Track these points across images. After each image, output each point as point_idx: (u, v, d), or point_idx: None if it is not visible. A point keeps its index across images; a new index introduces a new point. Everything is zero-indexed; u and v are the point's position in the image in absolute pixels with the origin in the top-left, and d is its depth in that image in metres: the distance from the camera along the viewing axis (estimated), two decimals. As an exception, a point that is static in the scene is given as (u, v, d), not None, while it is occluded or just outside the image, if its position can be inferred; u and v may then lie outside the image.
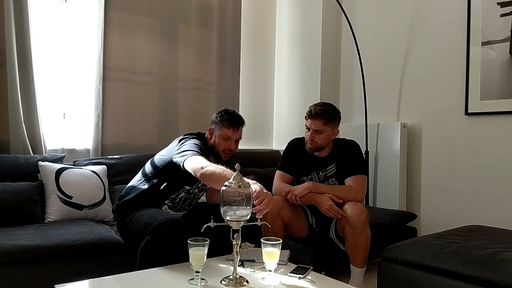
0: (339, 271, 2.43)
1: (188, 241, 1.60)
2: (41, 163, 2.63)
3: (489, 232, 2.30)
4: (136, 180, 2.31)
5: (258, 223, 1.68)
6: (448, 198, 3.13)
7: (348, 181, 2.37)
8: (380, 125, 3.44)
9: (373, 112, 3.56)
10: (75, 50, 3.11)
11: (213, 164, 1.86)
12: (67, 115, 3.10)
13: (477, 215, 2.93)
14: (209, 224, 1.64)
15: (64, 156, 2.87)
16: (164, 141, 3.19)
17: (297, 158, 2.46)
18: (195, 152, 2.01)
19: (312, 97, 3.69)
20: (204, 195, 2.49)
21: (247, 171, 2.25)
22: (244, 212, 1.57)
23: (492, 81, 2.89)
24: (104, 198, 2.68)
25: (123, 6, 3.19)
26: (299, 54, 4.01)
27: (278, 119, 4.23)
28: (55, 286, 1.54)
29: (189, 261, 1.60)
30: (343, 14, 3.50)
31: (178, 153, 2.07)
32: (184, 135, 2.24)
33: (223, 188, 1.58)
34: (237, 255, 1.61)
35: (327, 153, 2.43)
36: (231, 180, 1.59)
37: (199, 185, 2.30)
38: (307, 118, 2.38)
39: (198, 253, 1.58)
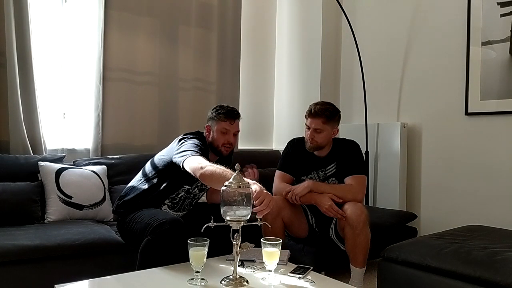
0: (339, 271, 2.43)
1: (188, 241, 1.60)
2: (41, 163, 2.63)
3: (489, 232, 2.30)
4: (136, 180, 2.31)
5: (258, 223, 1.68)
6: (448, 198, 3.14)
7: (348, 180, 2.37)
8: (380, 125, 3.44)
9: (373, 112, 3.56)
10: (75, 50, 3.11)
11: (213, 164, 1.86)
12: (67, 115, 3.10)
13: (477, 215, 2.93)
14: (209, 224, 1.64)
15: (64, 156, 2.87)
16: (164, 141, 3.19)
17: (296, 158, 2.46)
18: (195, 152, 2.01)
19: (312, 97, 3.69)
20: (205, 195, 2.49)
21: (247, 167, 2.25)
22: (244, 212, 1.57)
23: (492, 81, 2.89)
24: (104, 198, 2.68)
25: (123, 6, 3.19)
26: (299, 54, 4.01)
27: (278, 119, 4.23)
28: (55, 286, 1.54)
29: (189, 261, 1.60)
30: (343, 14, 3.50)
31: (177, 153, 2.07)
32: (184, 135, 2.25)
33: (223, 188, 1.58)
34: (237, 255, 1.61)
35: (326, 152, 2.43)
36: (231, 180, 1.59)
37: (199, 184, 2.30)
38: (307, 117, 2.39)
39: (198, 253, 1.58)
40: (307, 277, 1.72)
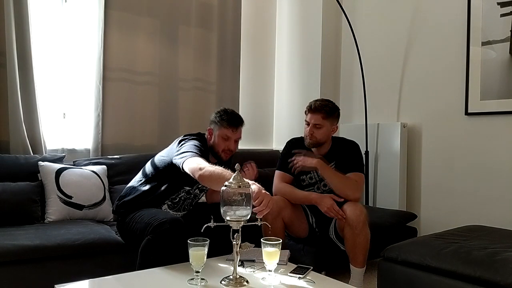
0: (339, 271, 2.43)
1: (188, 241, 1.60)
2: (41, 163, 2.63)
3: (489, 232, 2.30)
4: (136, 181, 2.31)
5: (258, 223, 1.68)
6: (448, 198, 3.14)
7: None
8: (380, 125, 3.44)
9: (373, 112, 3.56)
10: (75, 50, 3.11)
11: (212, 165, 1.86)
12: (67, 115, 3.10)
13: (477, 215, 2.93)
14: (209, 224, 1.64)
15: (64, 156, 2.87)
16: (164, 141, 3.19)
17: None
18: (194, 154, 2.01)
19: (312, 97, 3.63)
20: (204, 195, 2.49)
21: (245, 163, 2.25)
22: (244, 212, 1.57)
23: (492, 81, 2.89)
24: (104, 198, 2.68)
25: (123, 6, 3.19)
26: (299, 54, 4.01)
27: (278, 119, 4.23)
28: (55, 286, 1.54)
29: (189, 261, 1.60)
30: (343, 14, 3.50)
31: (177, 154, 2.07)
32: (184, 136, 2.24)
33: (223, 188, 1.58)
34: (237, 255, 1.61)
35: (326, 151, 2.43)
36: (231, 180, 1.59)
37: (199, 185, 2.30)
38: (307, 112, 2.40)
39: (198, 253, 1.58)
40: (307, 277, 1.72)
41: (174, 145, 2.21)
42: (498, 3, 2.86)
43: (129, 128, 3.26)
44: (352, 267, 2.25)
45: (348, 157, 2.41)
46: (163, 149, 2.34)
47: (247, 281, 1.61)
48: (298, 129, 3.74)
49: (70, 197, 2.56)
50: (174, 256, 1.88)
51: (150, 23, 3.33)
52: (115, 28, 3.16)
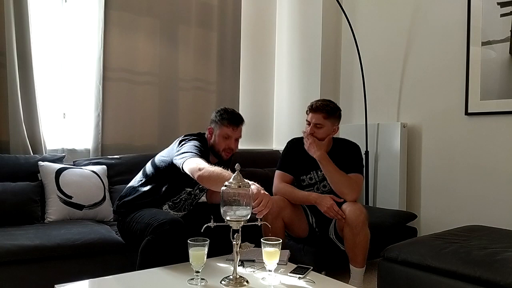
0: (339, 271, 2.43)
1: (188, 241, 1.60)
2: (41, 163, 2.63)
3: (489, 232, 2.30)
4: (137, 181, 2.31)
5: (258, 223, 1.68)
6: (448, 198, 3.14)
7: None
8: (380, 125, 3.44)
9: (373, 112, 3.56)
10: (75, 50, 3.11)
11: (211, 166, 1.86)
12: (67, 115, 3.10)
13: (477, 215, 2.93)
14: (209, 224, 1.64)
15: (64, 156, 2.87)
16: (164, 141, 3.20)
17: (296, 157, 2.46)
18: (194, 154, 2.01)
19: (312, 97, 3.64)
20: (205, 195, 2.48)
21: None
22: (244, 212, 1.57)
23: (492, 81, 2.89)
24: (104, 198, 2.68)
25: (123, 6, 3.19)
26: (299, 54, 4.01)
27: (278, 119, 4.23)
28: (55, 286, 1.54)
29: (189, 261, 1.60)
30: (343, 14, 3.50)
31: (177, 155, 2.07)
32: (184, 136, 2.24)
33: (223, 188, 1.58)
34: (237, 255, 1.61)
35: (327, 151, 2.43)
36: (231, 180, 1.59)
37: (200, 185, 2.29)
38: (308, 112, 2.40)
39: (198, 253, 1.58)
40: (307, 277, 1.72)
41: (174, 145, 2.21)
42: (498, 3, 2.86)
43: (129, 128, 3.26)
44: (352, 267, 2.25)
45: (348, 158, 2.41)
46: (163, 149, 2.34)
47: (247, 281, 1.61)
48: (298, 129, 3.73)
49: (70, 197, 2.56)
50: (174, 256, 1.88)
51: (150, 23, 3.33)
52: (115, 28, 3.16)
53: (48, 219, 2.49)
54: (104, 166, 2.86)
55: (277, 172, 2.48)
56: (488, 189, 2.92)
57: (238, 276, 1.61)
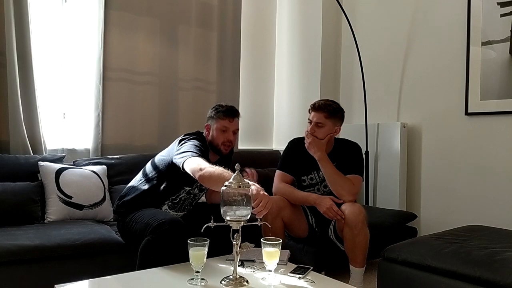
0: (339, 271, 2.43)
1: (188, 241, 1.60)
2: (41, 163, 2.63)
3: (489, 232, 2.30)
4: (137, 181, 2.31)
5: (258, 223, 1.68)
6: (448, 198, 3.14)
7: None
8: (380, 125, 3.44)
9: (373, 112, 3.56)
10: (75, 50, 3.11)
11: (212, 166, 1.87)
12: (67, 115, 3.10)
13: (477, 215, 2.93)
14: (209, 224, 1.64)
15: (64, 156, 2.87)
16: (164, 141, 3.20)
17: (297, 158, 2.46)
18: (194, 154, 2.01)
19: (312, 97, 3.67)
20: (204, 195, 2.49)
21: (245, 169, 2.25)
22: (244, 212, 1.57)
23: (492, 81, 2.89)
24: (104, 198, 2.68)
25: (123, 6, 3.19)
26: (299, 54, 4.01)
27: (278, 119, 4.23)
28: (55, 286, 1.54)
29: (189, 261, 1.60)
30: (343, 14, 3.50)
31: (177, 154, 2.08)
32: (184, 135, 2.25)
33: (223, 188, 1.58)
34: (237, 255, 1.61)
35: (327, 152, 2.43)
36: (231, 180, 1.59)
37: (198, 184, 2.30)
38: (310, 111, 2.41)
39: (198, 253, 1.58)
40: (307, 277, 1.72)
41: (174, 144, 2.21)
42: (498, 3, 2.86)
43: (129, 128, 3.26)
44: (351, 267, 2.25)
45: (349, 158, 2.41)
46: (163, 149, 2.34)
47: (247, 281, 1.61)
48: (298, 129, 3.74)
49: (70, 197, 2.56)
50: (174, 256, 1.88)
51: (150, 23, 3.33)
52: (115, 28, 3.16)
53: (48, 219, 2.49)
54: (104, 166, 2.86)
55: (278, 172, 2.48)
56: (488, 189, 2.92)
57: (238, 276, 1.61)
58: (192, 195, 2.34)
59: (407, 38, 3.43)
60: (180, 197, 2.29)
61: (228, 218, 1.58)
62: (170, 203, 2.28)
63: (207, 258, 1.62)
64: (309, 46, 3.91)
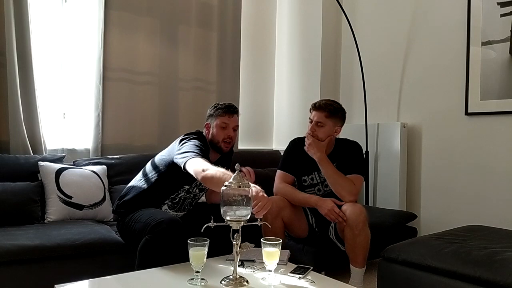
0: (339, 271, 2.43)
1: (188, 241, 1.60)
2: (41, 163, 2.63)
3: (489, 232, 2.30)
4: (137, 180, 2.32)
5: (258, 223, 1.68)
6: (448, 198, 3.14)
7: None
8: (380, 125, 3.44)
9: (373, 112, 3.56)
10: (75, 50, 3.11)
11: (214, 167, 1.87)
12: (67, 115, 3.10)
13: (477, 215, 2.93)
14: (209, 224, 1.64)
15: (64, 156, 2.87)
16: (164, 141, 3.19)
17: (298, 158, 2.46)
18: (196, 154, 2.02)
19: (312, 97, 3.68)
20: (204, 195, 2.49)
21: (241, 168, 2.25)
22: (244, 212, 1.57)
23: (492, 81, 2.89)
24: (104, 198, 2.68)
25: (123, 6, 3.19)
26: (299, 54, 4.01)
27: (278, 119, 4.23)
28: (55, 286, 1.54)
29: (189, 261, 1.60)
30: (343, 14, 3.50)
31: (178, 154, 2.08)
32: (185, 135, 2.25)
33: (223, 188, 1.58)
34: (237, 255, 1.61)
35: (328, 152, 2.43)
36: (231, 180, 1.59)
37: (198, 183, 2.30)
38: (311, 110, 2.41)
39: (198, 253, 1.58)
40: (307, 277, 1.72)
41: (174, 144, 2.22)
42: (498, 3, 2.86)
43: (129, 128, 3.26)
44: (352, 267, 2.25)
45: (349, 158, 2.41)
46: (163, 149, 2.34)
47: (247, 281, 1.61)
48: (298, 129, 3.74)
49: (70, 197, 2.56)
50: (173, 256, 1.89)
51: (150, 23, 3.33)
52: (115, 28, 3.16)
53: (48, 219, 2.49)
54: (104, 166, 2.86)
55: (278, 172, 2.48)
56: (488, 189, 2.92)
57: (238, 276, 1.61)
58: (192, 195, 2.34)
59: (407, 38, 3.43)
60: (179, 196, 2.29)
61: (228, 218, 1.58)
62: (170, 203, 2.28)
63: (207, 258, 1.62)
64: (309, 46, 3.91)
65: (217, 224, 1.64)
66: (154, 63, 3.37)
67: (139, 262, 1.93)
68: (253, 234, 2.00)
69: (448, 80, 3.15)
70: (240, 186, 1.57)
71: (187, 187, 2.28)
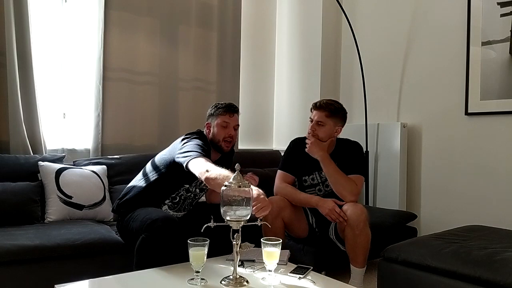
0: (339, 271, 2.43)
1: (188, 241, 1.60)
2: (41, 163, 2.63)
3: (489, 232, 2.30)
4: (137, 180, 2.32)
5: (258, 223, 1.68)
6: (448, 198, 3.13)
7: None
8: (380, 125, 3.44)
9: (373, 112, 3.56)
10: (75, 50, 3.11)
11: (218, 168, 1.87)
12: (67, 115, 3.10)
13: (477, 215, 2.93)
14: (209, 224, 1.64)
15: (64, 156, 2.87)
16: (164, 141, 3.20)
17: (299, 158, 2.46)
18: (199, 154, 2.02)
19: (312, 97, 3.68)
20: (204, 195, 2.49)
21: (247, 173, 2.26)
22: (244, 212, 1.58)
23: (492, 81, 2.89)
24: (104, 198, 2.68)
25: (123, 6, 3.19)
26: (299, 54, 4.01)
27: (278, 119, 4.23)
28: (55, 286, 1.54)
29: (189, 261, 1.60)
30: (343, 14, 3.50)
31: (180, 153, 2.08)
32: (186, 135, 2.25)
33: (223, 188, 1.58)
34: (237, 255, 1.61)
35: (329, 152, 2.42)
36: (231, 180, 1.59)
37: (198, 183, 2.30)
38: (312, 110, 2.42)
39: (198, 253, 1.58)
40: (307, 277, 1.72)
41: (176, 143, 2.22)
42: (498, 3, 2.86)
43: (129, 128, 3.26)
44: (352, 267, 2.25)
45: (350, 158, 2.41)
46: (163, 149, 2.34)
47: (247, 281, 1.61)
48: (298, 129, 3.74)
49: (70, 197, 2.56)
50: (170, 254, 1.89)
51: (150, 23, 3.33)
52: (115, 28, 3.16)
53: (48, 219, 2.49)
54: (104, 166, 2.86)
55: (279, 172, 2.48)
56: (488, 189, 2.92)
57: (238, 276, 1.61)
58: (192, 194, 2.34)
59: (407, 38, 3.43)
60: (179, 195, 2.29)
61: (228, 218, 1.58)
62: (170, 203, 2.28)
63: (207, 258, 1.62)
64: (309, 46, 3.91)
65: (217, 224, 1.64)
66: (154, 63, 3.37)
67: (137, 261, 1.94)
68: (253, 234, 2.00)
69: (448, 80, 3.15)
70: (240, 186, 1.57)
71: (187, 186, 2.28)
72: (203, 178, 1.89)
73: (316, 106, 2.38)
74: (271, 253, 1.63)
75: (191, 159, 1.99)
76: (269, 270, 1.65)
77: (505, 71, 2.82)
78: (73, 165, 2.81)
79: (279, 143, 4.13)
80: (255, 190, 1.69)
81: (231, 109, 2.28)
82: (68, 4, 3.07)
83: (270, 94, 4.25)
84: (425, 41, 3.30)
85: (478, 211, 2.95)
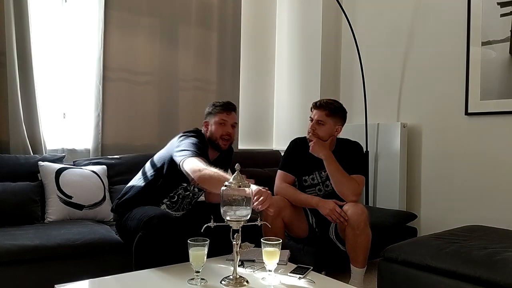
0: (339, 271, 2.43)
1: (188, 241, 1.60)
2: (41, 163, 2.63)
3: (489, 232, 2.30)
4: (136, 179, 2.32)
5: (258, 223, 1.68)
6: (448, 198, 3.13)
7: None
8: (380, 125, 3.44)
9: (373, 112, 3.56)
10: (75, 50, 3.11)
11: (211, 168, 1.88)
12: (67, 115, 3.10)
13: (477, 215, 2.93)
14: (209, 224, 1.64)
15: (64, 156, 2.87)
16: (164, 141, 3.17)
17: (299, 158, 2.46)
18: (194, 153, 2.02)
19: (312, 97, 3.66)
20: (204, 194, 2.49)
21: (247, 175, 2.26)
22: (244, 212, 1.57)
23: (492, 81, 2.89)
24: (104, 198, 2.68)
25: (123, 6, 3.19)
26: (299, 54, 4.01)
27: (278, 119, 4.23)
28: (55, 286, 1.54)
29: (188, 261, 1.60)
30: (343, 14, 3.50)
31: (177, 151, 2.08)
32: (183, 133, 2.25)
33: (223, 188, 1.58)
34: (237, 255, 1.61)
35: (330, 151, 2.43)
36: (231, 180, 1.59)
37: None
38: (312, 109, 2.42)
39: (198, 253, 1.58)
40: (307, 277, 1.72)
41: (173, 141, 2.23)
42: (498, 3, 2.86)
43: (129, 128, 3.26)
44: (352, 267, 2.25)
45: (351, 158, 2.41)
46: (162, 148, 2.34)
47: (247, 281, 1.61)
48: (298, 129, 3.74)
49: (70, 197, 2.56)
50: (169, 251, 1.89)
51: (150, 23, 3.33)
52: (115, 28, 3.16)
53: (48, 219, 2.49)
54: (104, 166, 2.85)
55: (279, 172, 2.48)
56: (488, 189, 2.92)
57: (238, 276, 1.61)
58: (190, 194, 2.34)
59: (407, 38, 3.43)
60: (178, 194, 2.28)
61: (228, 218, 1.58)
62: (168, 202, 2.28)
63: (207, 258, 1.62)
64: (309, 46, 3.91)
65: (217, 224, 1.64)
66: (154, 63, 3.37)
67: (135, 259, 1.94)
68: (253, 234, 2.00)
69: (448, 80, 3.15)
70: (240, 186, 1.57)
71: (185, 184, 2.28)
72: (195, 178, 1.90)
73: (316, 105, 2.39)
74: (271, 253, 1.63)
75: (185, 159, 1.99)
76: (269, 270, 1.65)
77: (505, 71, 2.82)
78: (73, 165, 2.81)
79: (279, 143, 4.13)
80: (256, 187, 1.70)
81: (228, 107, 2.29)
82: (68, 4, 3.07)
83: (270, 94, 4.25)
84: (425, 41, 3.30)
85: (478, 211, 2.95)
